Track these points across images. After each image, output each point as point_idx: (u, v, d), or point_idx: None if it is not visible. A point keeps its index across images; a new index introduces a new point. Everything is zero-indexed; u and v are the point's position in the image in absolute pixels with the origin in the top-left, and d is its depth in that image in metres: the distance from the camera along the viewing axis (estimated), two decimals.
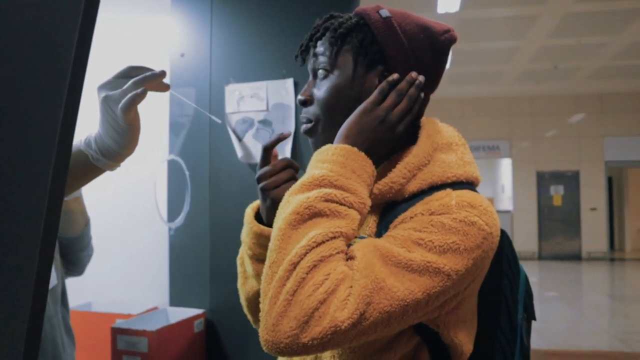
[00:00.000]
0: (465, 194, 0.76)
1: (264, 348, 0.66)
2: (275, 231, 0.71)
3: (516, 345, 0.88)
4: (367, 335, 0.66)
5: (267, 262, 0.70)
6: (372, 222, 0.81)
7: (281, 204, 0.74)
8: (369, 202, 0.75)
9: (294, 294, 0.64)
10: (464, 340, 0.79)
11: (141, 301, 2.21)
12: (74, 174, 0.88)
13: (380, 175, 0.81)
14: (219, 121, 0.95)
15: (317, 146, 0.85)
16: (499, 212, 11.90)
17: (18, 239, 0.51)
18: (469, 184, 0.81)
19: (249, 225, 0.89)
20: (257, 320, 0.94)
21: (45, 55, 0.54)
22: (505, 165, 12.14)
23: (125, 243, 2.25)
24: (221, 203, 2.08)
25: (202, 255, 2.10)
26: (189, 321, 1.99)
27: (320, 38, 0.85)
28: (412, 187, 0.78)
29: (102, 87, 0.83)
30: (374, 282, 0.65)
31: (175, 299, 2.17)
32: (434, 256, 0.69)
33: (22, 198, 0.52)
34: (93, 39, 0.58)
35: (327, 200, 0.70)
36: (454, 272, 0.69)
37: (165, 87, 0.87)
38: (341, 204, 0.71)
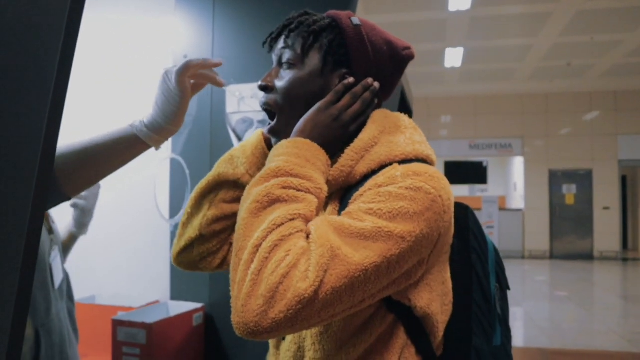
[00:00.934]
0: (410, 165, 0.80)
1: (237, 332, 0.69)
2: (238, 222, 0.75)
3: (494, 315, 0.92)
4: (333, 307, 0.69)
5: (233, 252, 0.74)
6: (332, 209, 0.86)
7: (243, 198, 0.78)
8: (325, 188, 0.79)
9: (259, 273, 0.68)
10: (437, 311, 0.82)
11: (143, 295, 2.28)
12: (118, 150, 0.95)
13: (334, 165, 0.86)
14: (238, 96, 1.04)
15: (274, 134, 0.90)
16: (510, 210, 11.83)
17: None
18: (421, 161, 0.84)
19: (257, 144, 0.96)
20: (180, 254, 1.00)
21: (31, 55, 0.56)
22: (518, 164, 12.05)
23: (128, 239, 2.32)
24: None
25: None
26: (188, 315, 2.05)
27: (293, 30, 0.89)
28: (362, 168, 0.83)
29: (166, 70, 0.94)
30: (330, 251, 0.69)
31: (176, 293, 2.23)
32: (385, 222, 0.73)
33: (7, 198, 0.55)
34: (78, 37, 0.60)
35: (284, 187, 0.75)
36: (407, 234, 0.72)
37: (220, 83, 0.95)
38: (298, 190, 0.76)
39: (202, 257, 0.98)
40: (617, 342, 5.24)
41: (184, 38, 2.29)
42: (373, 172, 0.82)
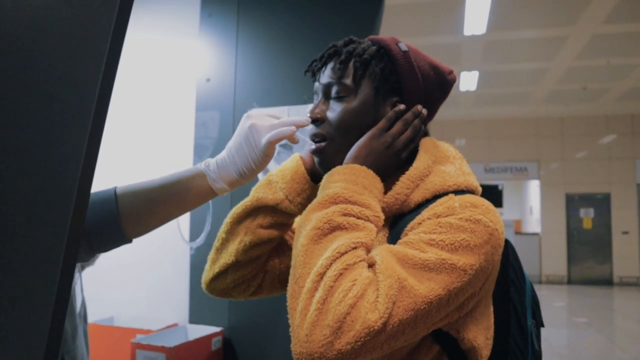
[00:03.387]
0: (466, 196, 0.80)
1: None
2: (297, 248, 0.74)
3: (528, 351, 0.90)
4: (395, 340, 0.68)
5: (291, 279, 0.73)
6: (381, 236, 0.85)
7: (299, 223, 0.78)
8: (382, 216, 0.79)
9: (324, 302, 0.67)
10: (482, 344, 0.81)
11: (161, 317, 2.27)
12: (189, 194, 0.93)
13: (385, 192, 0.85)
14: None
15: (324, 165, 0.88)
16: (526, 234, 11.68)
17: (44, 238, 0.53)
18: (470, 192, 0.85)
19: (298, 173, 0.94)
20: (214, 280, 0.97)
21: (77, 62, 0.57)
22: (534, 187, 11.94)
23: (148, 261, 2.32)
24: None
25: None
26: (206, 338, 2.04)
27: (344, 61, 0.87)
28: (417, 197, 0.83)
29: (251, 116, 0.91)
30: (397, 282, 0.68)
31: (195, 317, 2.22)
32: (447, 254, 0.72)
33: (50, 200, 0.54)
34: (122, 50, 0.61)
35: (345, 215, 0.75)
36: (469, 267, 0.72)
37: (295, 140, 0.93)
38: (358, 218, 0.75)
39: (236, 283, 0.96)
40: None
41: (206, 61, 2.33)
42: (427, 201, 0.82)
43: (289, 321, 0.71)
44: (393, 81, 0.87)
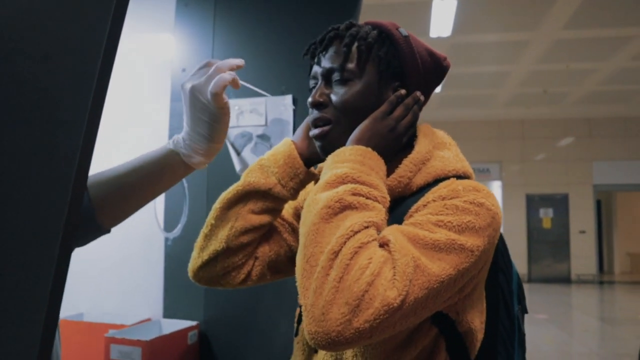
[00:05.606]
0: (467, 181, 0.82)
1: (312, 342, 0.66)
2: (307, 226, 0.73)
3: (514, 335, 0.92)
4: (407, 318, 0.68)
5: (301, 258, 0.72)
6: None
7: (307, 203, 0.77)
8: (388, 197, 0.79)
9: (341, 280, 0.66)
10: (478, 327, 0.83)
11: (134, 312, 2.21)
12: (163, 174, 0.90)
13: (387, 174, 0.85)
14: (267, 95, 0.99)
15: (327, 149, 0.87)
16: None
17: (37, 238, 0.52)
18: (466, 178, 0.86)
19: (291, 157, 0.93)
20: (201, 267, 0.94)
21: (74, 56, 0.55)
22: (496, 188, 12.24)
23: (118, 254, 2.26)
24: None
25: None
26: (182, 332, 2.00)
27: (349, 44, 0.86)
28: (419, 180, 0.84)
29: (186, 82, 0.87)
30: (412, 260, 0.68)
31: (169, 311, 2.17)
32: (455, 235, 0.73)
33: (45, 197, 0.53)
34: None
35: (355, 194, 0.74)
36: (475, 248, 0.73)
37: (236, 85, 0.89)
38: (367, 198, 0.75)
39: (225, 271, 0.94)
40: None
41: (182, 51, 2.29)
42: (428, 185, 0.83)
43: (300, 301, 0.69)
44: (395, 66, 0.88)
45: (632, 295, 10.12)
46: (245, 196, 0.93)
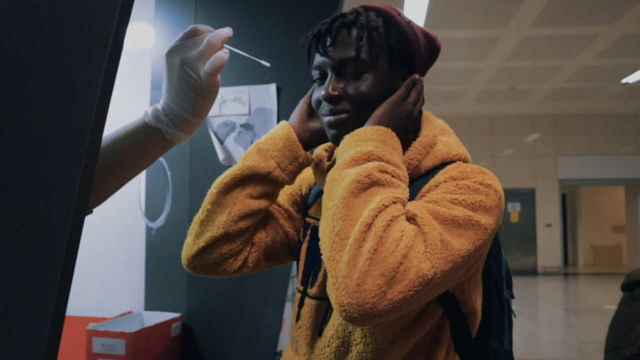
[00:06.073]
0: (472, 165, 0.85)
1: (343, 315, 0.67)
2: (336, 200, 0.73)
3: (505, 318, 0.95)
4: (433, 292, 0.71)
5: (329, 230, 0.72)
6: None
7: (331, 177, 0.77)
8: (408, 177, 0.81)
9: (375, 252, 0.67)
10: (479, 307, 0.85)
11: (114, 305, 2.16)
12: (144, 150, 0.85)
13: None
14: (268, 64, 0.96)
15: (340, 138, 0.85)
16: None
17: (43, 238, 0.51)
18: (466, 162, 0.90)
19: (291, 139, 0.92)
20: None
21: (80, 52, 0.54)
22: None
23: (98, 245, 2.21)
24: (201, 205, 2.07)
25: (180, 258, 2.08)
26: (166, 324, 1.97)
27: (360, 35, 0.84)
28: (428, 162, 0.86)
29: (172, 52, 0.80)
30: (439, 235, 0.71)
31: (151, 303, 2.14)
32: (471, 212, 0.75)
33: (50, 198, 0.51)
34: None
35: (382, 171, 0.76)
36: (488, 226, 0.76)
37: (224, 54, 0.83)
38: (392, 176, 0.76)
39: (223, 258, 0.92)
40: (566, 352, 5.44)
41: (164, 39, 2.25)
42: (435, 168, 0.86)
43: (330, 273, 0.69)
44: (404, 53, 0.88)
45: (595, 286, 10.46)
46: (244, 180, 0.92)
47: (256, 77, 2.08)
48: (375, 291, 0.65)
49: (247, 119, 2.08)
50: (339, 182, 0.75)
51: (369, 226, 0.69)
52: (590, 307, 8.17)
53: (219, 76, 0.82)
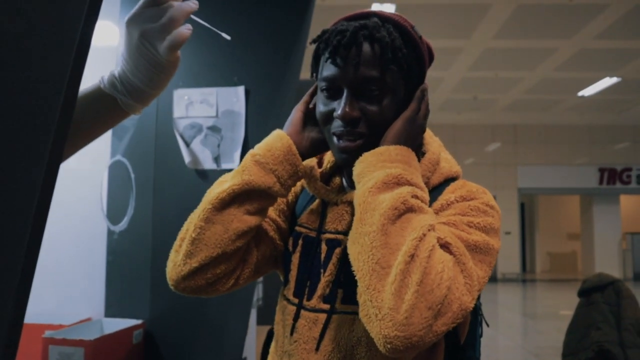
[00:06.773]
0: (472, 183, 0.86)
1: (388, 347, 0.65)
2: (373, 227, 0.71)
3: (478, 326, 0.95)
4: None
5: (369, 258, 0.70)
6: None
7: (364, 201, 0.74)
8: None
9: (421, 284, 0.66)
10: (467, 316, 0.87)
11: (72, 311, 2.07)
12: (96, 119, 0.81)
13: None
14: (229, 37, 0.92)
15: (352, 162, 0.82)
16: None
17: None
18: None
19: (290, 152, 0.87)
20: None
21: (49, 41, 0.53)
22: None
23: (54, 248, 2.11)
24: (165, 209, 2.02)
25: (143, 263, 2.02)
26: (127, 331, 1.90)
27: (383, 55, 0.80)
28: (435, 179, 0.87)
29: (131, 20, 0.76)
30: (472, 265, 0.72)
31: (111, 310, 2.06)
32: (485, 236, 0.77)
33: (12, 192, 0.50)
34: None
35: (414, 197, 0.74)
36: (498, 248, 0.78)
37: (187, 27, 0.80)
38: (422, 201, 0.75)
39: (217, 278, 0.85)
40: (525, 356, 5.58)
41: None
42: (439, 184, 0.86)
43: (370, 303, 0.67)
44: (418, 70, 0.86)
45: (552, 292, 10.77)
46: (241, 196, 0.85)
47: (224, 79, 2.04)
48: (423, 324, 0.65)
49: (215, 122, 2.04)
50: (374, 206, 0.73)
51: (412, 257, 0.68)
52: (547, 313, 8.40)
53: (179, 51, 0.79)
